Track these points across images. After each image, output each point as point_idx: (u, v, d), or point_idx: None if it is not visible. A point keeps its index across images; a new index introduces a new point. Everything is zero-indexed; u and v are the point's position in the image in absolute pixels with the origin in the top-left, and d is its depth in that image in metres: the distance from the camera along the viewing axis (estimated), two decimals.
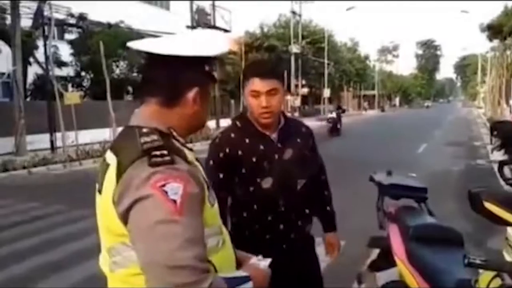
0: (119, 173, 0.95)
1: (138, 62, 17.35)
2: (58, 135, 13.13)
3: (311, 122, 26.97)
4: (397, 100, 77.64)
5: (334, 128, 18.84)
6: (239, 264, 1.19)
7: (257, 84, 1.74)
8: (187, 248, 0.86)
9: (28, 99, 17.26)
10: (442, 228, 2.20)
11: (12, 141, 12.87)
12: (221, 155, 1.79)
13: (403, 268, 2.18)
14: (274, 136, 1.82)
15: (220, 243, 1.08)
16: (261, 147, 1.78)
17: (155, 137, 0.99)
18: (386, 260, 2.44)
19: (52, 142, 13.50)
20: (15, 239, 4.97)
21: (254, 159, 1.76)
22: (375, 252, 2.75)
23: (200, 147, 15.72)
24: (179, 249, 0.85)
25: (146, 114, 1.07)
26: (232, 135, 1.84)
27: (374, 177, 2.78)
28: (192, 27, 20.95)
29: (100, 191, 1.02)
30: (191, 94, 1.06)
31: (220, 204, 1.78)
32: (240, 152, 1.78)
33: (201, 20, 21.01)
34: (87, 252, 4.10)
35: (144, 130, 1.02)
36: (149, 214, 0.88)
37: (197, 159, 1.14)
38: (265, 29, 36.89)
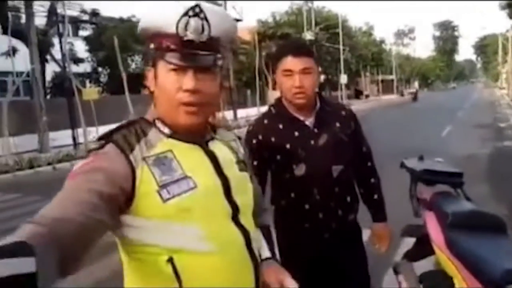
0: None
1: None
2: (80, 131, 13.31)
3: None
4: (416, 84, 76.25)
5: (415, 97, 35.56)
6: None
7: (290, 62, 1.64)
8: (50, 207, 0.83)
9: (48, 97, 17.56)
10: (484, 214, 2.08)
11: (34, 139, 13.12)
12: (254, 141, 1.72)
13: (442, 256, 2.09)
14: (310, 120, 1.72)
15: (201, 247, 0.95)
16: (296, 133, 1.69)
17: (121, 127, 1.01)
18: (423, 249, 2.34)
19: (74, 138, 13.70)
20: None
21: (288, 146, 1.68)
22: (407, 241, 2.65)
23: None
24: (53, 201, 0.84)
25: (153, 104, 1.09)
26: (266, 121, 1.77)
27: (406, 163, 2.66)
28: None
29: None
30: (147, 74, 1.05)
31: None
32: (273, 139, 1.70)
33: None
34: (113, 247, 4.09)
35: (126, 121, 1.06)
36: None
37: (209, 152, 1.05)
38: (277, 17, 36.50)
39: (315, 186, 1.68)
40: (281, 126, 1.72)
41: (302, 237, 1.71)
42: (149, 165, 0.95)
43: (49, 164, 10.61)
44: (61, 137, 13.74)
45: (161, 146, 0.99)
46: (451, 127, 14.43)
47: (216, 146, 1.09)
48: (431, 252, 2.20)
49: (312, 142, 1.68)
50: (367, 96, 47.53)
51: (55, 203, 0.83)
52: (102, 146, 0.95)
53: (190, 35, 0.97)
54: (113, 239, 1.04)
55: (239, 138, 1.26)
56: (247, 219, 1.06)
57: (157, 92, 1.02)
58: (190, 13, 0.97)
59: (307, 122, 1.71)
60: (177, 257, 0.93)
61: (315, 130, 1.70)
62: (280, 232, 1.78)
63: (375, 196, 1.92)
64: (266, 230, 1.24)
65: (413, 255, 2.48)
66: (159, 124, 1.02)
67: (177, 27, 0.97)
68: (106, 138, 0.97)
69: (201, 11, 0.98)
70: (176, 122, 1.01)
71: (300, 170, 1.68)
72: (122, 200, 0.91)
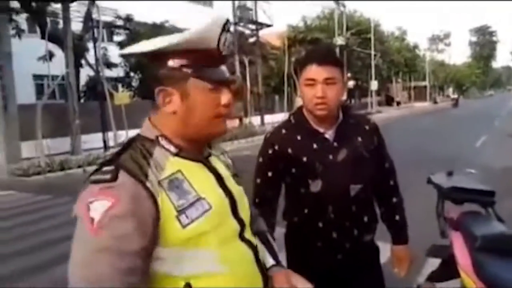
0: None
1: None
2: (110, 134, 13.64)
3: None
4: (450, 91, 74.05)
5: (456, 104, 37.70)
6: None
7: (313, 71, 1.55)
8: (87, 266, 0.80)
9: (82, 101, 18.12)
10: None
11: (67, 141, 13.54)
12: (270, 151, 1.65)
13: (468, 281, 1.97)
14: (330, 133, 1.62)
15: (214, 269, 0.93)
16: (314, 145, 1.60)
17: (125, 148, 0.95)
18: (448, 271, 2.23)
19: (105, 142, 14.06)
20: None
21: (305, 159, 1.59)
22: (431, 262, 2.52)
23: (244, 145, 15.88)
24: (80, 266, 0.81)
25: (147, 120, 1.03)
26: (284, 131, 1.68)
27: (433, 179, 2.54)
28: (235, 24, 21.02)
29: None
30: (158, 94, 0.96)
31: (265, 204, 1.67)
32: (290, 150, 1.62)
33: (243, 15, 21.01)
34: None
35: (126, 140, 0.99)
36: (76, 231, 0.85)
37: (212, 169, 1.02)
38: (308, 22, 36.33)
39: (330, 204, 1.60)
40: (299, 137, 1.64)
41: (314, 256, 1.64)
42: (165, 189, 0.90)
43: (79, 166, 10.89)
44: (93, 140, 14.14)
45: (169, 167, 0.94)
46: (486, 137, 13.88)
47: (215, 162, 1.07)
48: (457, 274, 2.10)
49: (331, 156, 1.59)
50: (398, 103, 46.53)
51: (86, 269, 0.80)
52: (114, 177, 0.86)
53: (226, 50, 0.97)
54: None
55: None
56: (249, 233, 1.06)
57: (185, 112, 0.95)
58: (226, 27, 0.96)
59: (327, 135, 1.62)
60: (193, 282, 0.91)
61: (335, 144, 1.61)
62: (291, 248, 1.74)
63: (397, 217, 1.79)
64: (263, 236, 1.22)
65: (437, 277, 2.36)
66: (163, 141, 0.97)
67: (218, 43, 0.94)
68: (113, 163, 0.90)
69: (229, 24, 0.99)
70: (208, 133, 1.00)
71: (316, 186, 1.59)
72: (152, 242, 0.87)
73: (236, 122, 18.59)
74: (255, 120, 21.05)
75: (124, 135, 12.47)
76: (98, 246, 0.81)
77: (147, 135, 0.99)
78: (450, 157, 9.09)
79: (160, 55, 0.93)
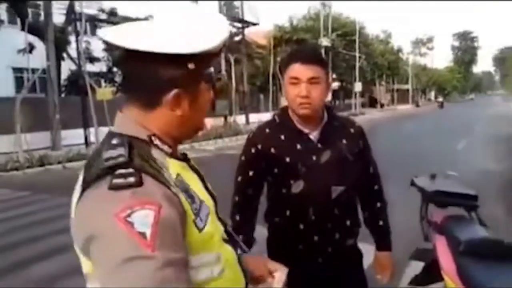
0: (81, 194, 0.79)
1: None
2: (92, 130, 13.38)
3: None
4: (432, 94, 75.35)
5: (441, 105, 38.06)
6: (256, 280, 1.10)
7: (297, 69, 1.54)
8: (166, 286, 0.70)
9: (63, 95, 17.74)
10: (499, 244, 1.95)
11: (47, 136, 13.24)
12: (253, 150, 1.63)
13: (451, 284, 1.97)
14: (314, 134, 1.61)
15: (216, 273, 0.89)
16: (298, 146, 1.58)
17: (122, 150, 0.80)
18: (431, 275, 2.23)
19: (86, 138, 13.79)
20: (53, 234, 5.02)
21: (287, 159, 1.57)
22: (414, 265, 2.52)
23: (229, 143, 15.84)
24: None
25: (126, 118, 0.91)
26: (267, 130, 1.66)
27: (416, 181, 2.53)
28: None
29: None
30: (170, 97, 0.86)
31: (244, 200, 1.66)
32: (273, 150, 1.59)
33: (229, 13, 20.89)
34: None
35: (114, 140, 0.84)
36: (114, 251, 0.70)
37: (194, 169, 0.99)
38: (294, 22, 36.41)
39: (311, 206, 1.57)
40: (283, 137, 1.61)
41: (295, 259, 1.61)
42: (181, 191, 0.83)
43: (59, 162, 10.67)
44: (74, 136, 13.85)
45: (171, 168, 0.87)
46: (467, 140, 14.12)
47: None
48: (440, 278, 2.10)
49: (314, 158, 1.57)
50: (382, 105, 47.12)
51: (174, 278, 0.71)
52: (139, 181, 0.75)
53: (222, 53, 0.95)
54: None
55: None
56: (227, 233, 1.03)
57: (190, 114, 0.90)
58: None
59: (311, 136, 1.60)
60: None
61: (319, 145, 1.59)
62: (273, 251, 1.69)
63: (380, 222, 1.78)
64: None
65: (420, 280, 2.36)
66: (157, 141, 0.89)
67: (223, 46, 0.91)
68: (129, 165, 0.78)
69: None
70: (195, 131, 0.97)
71: (297, 187, 1.57)
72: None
73: (221, 121, 18.49)
74: (240, 119, 20.98)
75: (106, 131, 12.23)
76: (162, 262, 0.70)
77: (135, 134, 0.87)
78: (433, 158, 9.21)
79: (181, 57, 0.85)
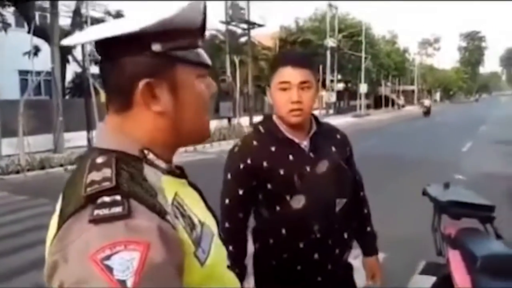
0: (58, 227, 0.64)
1: None
2: (95, 133, 13.33)
3: (346, 119, 26.47)
4: (437, 95, 74.80)
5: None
6: None
7: (288, 73, 1.43)
8: None
9: (67, 97, 17.75)
10: None
11: (50, 139, 13.20)
12: (241, 166, 1.46)
13: None
14: (305, 143, 1.49)
15: None
16: (290, 157, 1.45)
17: (108, 172, 0.66)
18: None
19: (89, 140, 13.73)
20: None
21: (281, 172, 1.43)
22: (419, 279, 2.38)
23: None
24: None
25: (110, 129, 0.76)
26: (255, 142, 1.50)
27: (429, 190, 2.40)
28: (226, 23, 20.81)
29: None
30: (138, 90, 0.72)
31: (237, 226, 1.48)
32: (265, 164, 1.44)
33: (235, 15, 20.78)
34: None
35: (99, 159, 0.69)
36: None
37: (193, 185, 0.84)
38: (301, 23, 36.27)
39: (316, 222, 1.43)
40: (273, 149, 1.47)
41: (292, 282, 1.48)
42: (178, 219, 0.70)
43: (61, 165, 10.58)
44: (77, 138, 13.81)
45: (166, 189, 0.72)
46: (473, 142, 13.92)
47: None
48: None
49: (308, 168, 1.45)
50: (398, 106, 47.09)
51: None
52: (127, 211, 0.61)
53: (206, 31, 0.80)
54: None
55: None
56: None
57: (176, 110, 0.75)
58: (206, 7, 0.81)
59: (302, 146, 1.48)
60: None
61: (311, 154, 1.47)
62: (262, 273, 1.52)
63: (368, 229, 1.72)
64: None
65: None
66: (150, 155, 0.75)
67: (203, 21, 0.78)
68: (115, 191, 0.64)
69: None
70: (196, 137, 0.82)
71: (297, 202, 1.43)
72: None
73: (224, 123, 18.37)
74: (244, 120, 20.85)
75: None
76: None
77: (123, 148, 0.73)
78: (439, 161, 9.03)
79: (139, 39, 0.71)
